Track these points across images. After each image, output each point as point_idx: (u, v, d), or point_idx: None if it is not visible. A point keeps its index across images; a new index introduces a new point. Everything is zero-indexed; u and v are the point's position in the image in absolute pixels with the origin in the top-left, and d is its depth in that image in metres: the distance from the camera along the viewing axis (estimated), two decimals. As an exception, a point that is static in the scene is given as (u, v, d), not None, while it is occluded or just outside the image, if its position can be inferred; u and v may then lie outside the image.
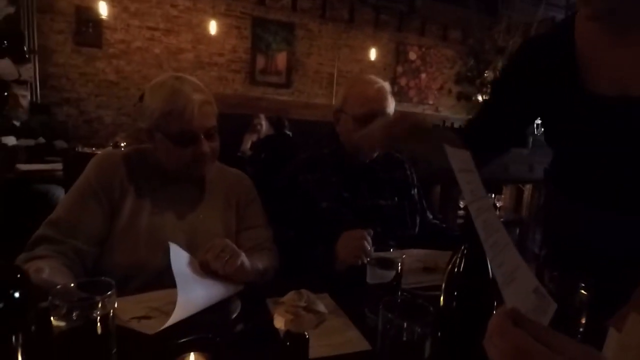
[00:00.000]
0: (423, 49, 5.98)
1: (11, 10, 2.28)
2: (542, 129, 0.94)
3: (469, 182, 0.54)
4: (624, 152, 0.78)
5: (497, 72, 3.03)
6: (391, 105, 1.22)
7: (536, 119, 0.95)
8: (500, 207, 3.02)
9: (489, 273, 0.60)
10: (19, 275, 0.41)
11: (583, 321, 0.67)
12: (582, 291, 0.67)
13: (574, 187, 0.90)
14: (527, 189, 3.15)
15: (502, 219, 3.07)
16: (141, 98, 1.00)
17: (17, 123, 2.97)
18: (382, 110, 1.18)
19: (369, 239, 0.94)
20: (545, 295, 0.49)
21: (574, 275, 0.69)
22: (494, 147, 0.96)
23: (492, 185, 2.98)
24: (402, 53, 5.88)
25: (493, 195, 2.95)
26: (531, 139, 3.15)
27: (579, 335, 0.67)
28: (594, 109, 0.79)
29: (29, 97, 3.15)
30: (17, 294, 0.40)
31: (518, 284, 0.46)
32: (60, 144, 3.10)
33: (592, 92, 0.78)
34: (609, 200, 0.82)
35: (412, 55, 5.94)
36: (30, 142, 3.04)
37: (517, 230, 3.23)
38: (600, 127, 0.78)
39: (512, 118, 0.93)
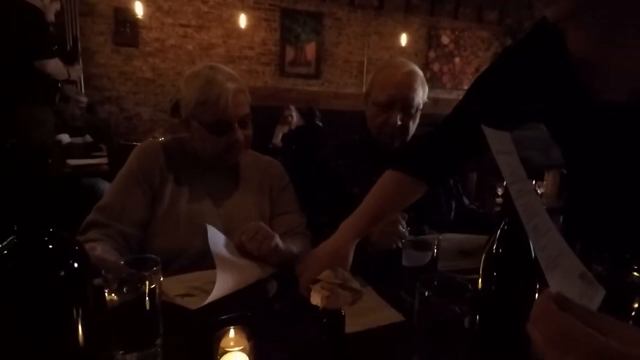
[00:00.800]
0: (456, 32, 5.76)
1: (57, 6, 2.43)
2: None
3: (508, 164, 0.52)
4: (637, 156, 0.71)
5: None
6: (419, 91, 1.17)
7: (522, 124, 0.86)
8: (542, 193, 2.88)
9: (530, 253, 0.58)
10: (77, 247, 0.45)
11: (636, 305, 0.63)
12: (635, 273, 0.63)
13: (585, 194, 0.84)
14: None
15: (544, 206, 2.94)
16: (178, 91, 1.04)
17: (74, 124, 3.21)
18: (403, 98, 1.14)
19: (403, 222, 0.93)
20: (592, 280, 0.46)
21: (625, 256, 0.65)
22: (469, 152, 0.87)
23: (533, 171, 2.85)
24: (434, 37, 5.70)
25: (534, 182, 2.82)
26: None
27: (631, 321, 0.63)
28: (604, 116, 0.72)
29: (86, 101, 3.40)
30: (76, 264, 0.43)
31: (563, 269, 0.44)
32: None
33: (598, 100, 0.72)
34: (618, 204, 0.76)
35: (445, 40, 5.74)
36: (79, 139, 3.25)
37: (561, 219, 3.07)
38: (612, 132, 0.72)
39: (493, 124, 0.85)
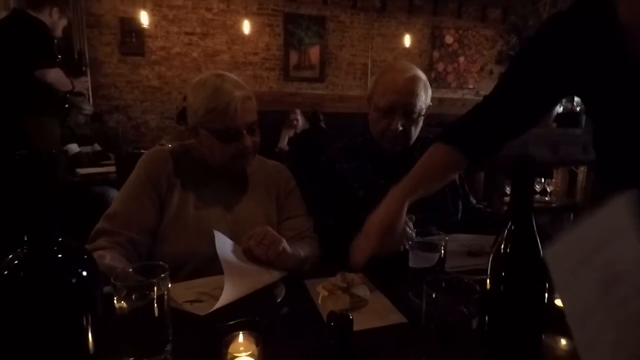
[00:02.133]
0: (460, 32, 5.74)
1: (65, 22, 2.48)
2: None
3: None
4: None
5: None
6: (422, 96, 1.15)
7: (566, 97, 0.87)
8: (550, 191, 2.85)
9: (538, 251, 0.57)
10: (86, 256, 0.45)
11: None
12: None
13: (615, 170, 0.85)
14: (581, 171, 2.94)
15: (553, 205, 2.90)
16: (185, 99, 1.05)
17: (83, 132, 3.27)
18: (404, 104, 1.12)
19: (411, 224, 0.92)
20: None
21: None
22: (517, 125, 0.90)
23: (541, 169, 2.81)
24: (438, 37, 5.68)
25: (542, 180, 2.79)
26: (584, 117, 2.94)
27: None
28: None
29: (91, 110, 3.46)
30: (85, 273, 0.44)
31: None
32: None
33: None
34: None
35: (449, 39, 5.72)
36: (88, 149, 3.31)
37: (572, 216, 3.03)
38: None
39: (538, 94, 0.86)
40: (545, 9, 2.92)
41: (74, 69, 2.75)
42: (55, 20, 2.40)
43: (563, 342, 0.65)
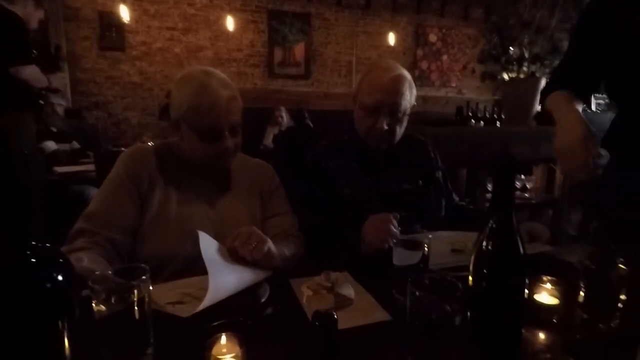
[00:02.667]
0: (443, 30, 5.81)
1: (41, 14, 2.39)
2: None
3: None
4: None
5: (524, 48, 2.90)
6: (407, 95, 1.15)
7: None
8: (530, 188, 2.92)
9: (519, 248, 0.58)
10: (62, 260, 0.44)
11: (622, 297, 0.64)
12: (621, 266, 0.64)
13: (633, 151, 0.99)
14: (559, 168, 3.02)
15: (533, 201, 2.97)
16: (168, 96, 1.02)
17: (54, 129, 3.15)
18: (389, 103, 1.13)
19: (395, 222, 0.93)
20: None
21: (612, 250, 0.66)
22: (588, 86, 1.12)
23: (521, 166, 2.88)
24: (422, 36, 5.74)
25: (522, 176, 2.85)
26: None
27: (618, 312, 0.64)
28: None
29: (65, 105, 3.34)
30: (61, 278, 0.42)
31: None
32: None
33: None
34: None
35: (433, 38, 5.79)
36: (66, 146, 3.20)
37: (550, 212, 3.11)
38: None
39: (596, 58, 1.07)
40: (525, 10, 2.98)
41: (50, 64, 2.65)
42: (31, 12, 2.31)
43: (541, 335, 0.67)
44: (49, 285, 0.42)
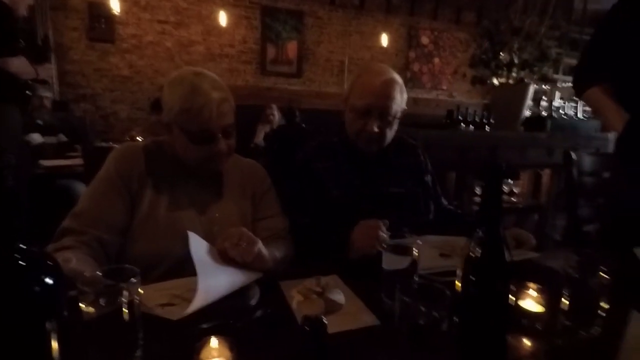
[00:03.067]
0: (435, 33, 5.86)
1: (30, 1, 2.33)
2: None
3: None
4: None
5: (514, 54, 2.94)
6: (398, 99, 1.16)
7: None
8: (517, 192, 2.97)
9: (505, 257, 0.60)
10: (50, 263, 0.43)
11: (603, 305, 0.66)
12: (603, 274, 0.66)
13: None
14: (546, 173, 3.08)
15: (520, 205, 3.03)
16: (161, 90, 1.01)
17: (40, 122, 3.08)
18: (380, 106, 1.14)
19: (384, 228, 0.94)
20: None
21: (593, 258, 0.68)
22: (606, 73, 1.20)
23: (509, 170, 2.93)
24: (414, 38, 5.78)
25: (510, 181, 2.90)
26: (550, 122, 3.08)
27: (599, 319, 0.67)
28: None
29: (51, 97, 3.27)
30: (50, 281, 0.42)
31: None
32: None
33: None
34: None
35: (425, 40, 5.83)
36: (53, 139, 3.14)
37: (536, 217, 3.17)
38: None
39: (610, 54, 1.17)
40: (516, 16, 3.02)
41: (37, 55, 2.59)
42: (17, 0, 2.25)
43: (525, 341, 0.68)
44: (37, 288, 0.41)
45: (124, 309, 0.55)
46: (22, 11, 2.31)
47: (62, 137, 3.28)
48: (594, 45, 1.24)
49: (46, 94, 3.23)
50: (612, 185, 1.25)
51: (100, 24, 4.43)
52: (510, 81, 2.99)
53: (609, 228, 1.16)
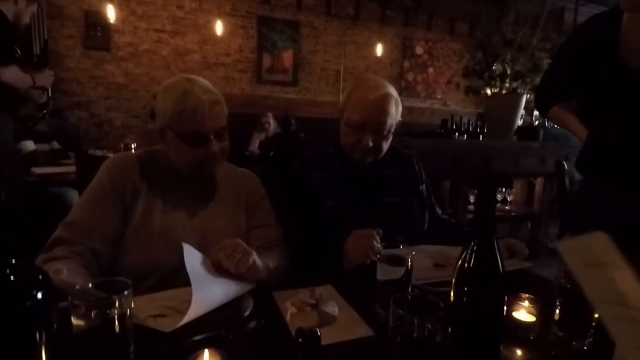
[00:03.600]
0: (430, 44, 5.94)
1: (34, 9, 2.33)
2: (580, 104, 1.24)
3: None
4: None
5: (506, 65, 2.99)
6: (393, 113, 1.16)
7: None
8: (511, 201, 2.99)
9: (499, 268, 0.60)
10: (40, 276, 0.43)
11: (596, 315, 0.67)
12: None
13: (605, 170, 1.09)
14: (539, 182, 3.11)
15: (513, 213, 3.05)
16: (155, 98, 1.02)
17: (33, 127, 3.04)
18: (375, 122, 1.14)
19: (378, 238, 0.94)
20: None
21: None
22: (566, 92, 1.29)
23: (503, 179, 2.96)
24: (409, 48, 5.85)
25: (503, 190, 2.92)
26: (542, 132, 3.12)
27: (592, 330, 0.67)
28: (627, 82, 1.00)
29: (44, 101, 3.23)
30: (39, 294, 0.41)
31: None
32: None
33: (628, 67, 0.99)
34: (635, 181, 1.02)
35: (419, 50, 5.90)
36: (45, 146, 3.11)
37: (529, 225, 3.20)
38: (631, 98, 1.00)
39: (570, 77, 1.25)
40: (508, 28, 3.08)
41: (37, 62, 2.57)
42: (22, 8, 2.26)
43: (518, 352, 0.68)
44: (26, 303, 0.41)
45: (115, 322, 0.54)
46: (26, 19, 2.32)
47: (55, 144, 3.25)
48: (554, 68, 1.33)
49: (41, 99, 3.20)
50: (576, 199, 1.31)
51: (97, 32, 4.43)
52: (503, 91, 3.03)
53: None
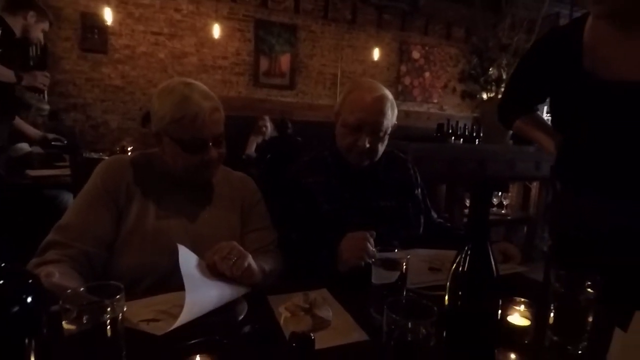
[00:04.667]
0: (426, 48, 5.97)
1: (45, 26, 2.38)
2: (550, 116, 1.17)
3: None
4: (621, 133, 0.95)
5: (502, 70, 3.01)
6: (389, 115, 1.17)
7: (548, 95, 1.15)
8: (507, 205, 3.00)
9: (493, 272, 0.60)
10: (30, 281, 0.43)
11: (590, 320, 0.67)
12: (589, 290, 0.67)
13: (579, 177, 1.06)
14: (534, 186, 3.13)
15: (509, 217, 3.07)
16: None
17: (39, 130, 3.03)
18: (371, 122, 1.15)
19: (372, 240, 0.94)
20: None
21: (580, 273, 0.69)
22: (529, 105, 1.26)
23: (499, 183, 2.97)
24: (406, 52, 5.88)
25: (500, 194, 2.94)
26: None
27: (586, 334, 0.67)
28: (593, 91, 0.97)
29: (48, 108, 3.22)
30: (29, 299, 0.41)
31: None
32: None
33: (593, 76, 0.96)
34: (611, 186, 0.98)
35: (416, 55, 5.94)
36: (40, 148, 3.08)
37: (525, 229, 3.21)
38: (599, 107, 0.97)
39: (532, 89, 1.21)
40: (504, 33, 3.10)
41: (34, 65, 2.57)
42: (31, 23, 2.30)
43: (513, 356, 0.68)
44: (16, 307, 0.40)
45: (107, 326, 0.53)
46: (35, 35, 2.35)
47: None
48: (516, 83, 1.30)
49: (44, 106, 3.19)
50: (554, 205, 1.28)
51: (93, 34, 4.42)
52: (499, 96, 3.06)
53: (556, 247, 1.19)
